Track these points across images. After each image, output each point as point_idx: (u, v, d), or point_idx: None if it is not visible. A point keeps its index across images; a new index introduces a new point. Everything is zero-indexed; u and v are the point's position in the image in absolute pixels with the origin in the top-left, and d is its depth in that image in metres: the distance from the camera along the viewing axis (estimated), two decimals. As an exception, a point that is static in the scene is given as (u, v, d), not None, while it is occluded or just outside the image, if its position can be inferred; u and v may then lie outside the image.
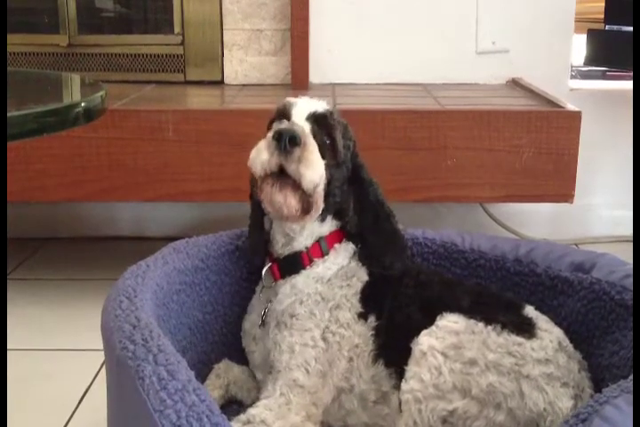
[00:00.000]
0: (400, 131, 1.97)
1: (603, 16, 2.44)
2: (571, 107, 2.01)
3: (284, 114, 1.28)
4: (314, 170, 1.21)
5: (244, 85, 2.48)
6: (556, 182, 2.00)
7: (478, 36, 2.49)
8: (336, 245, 1.35)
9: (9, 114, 1.01)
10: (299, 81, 2.40)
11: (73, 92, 1.53)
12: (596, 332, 1.29)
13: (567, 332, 1.29)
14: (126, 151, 1.97)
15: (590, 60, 2.51)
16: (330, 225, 1.35)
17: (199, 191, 2.00)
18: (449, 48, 2.50)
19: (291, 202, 1.23)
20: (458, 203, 2.52)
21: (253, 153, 1.24)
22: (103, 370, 1.62)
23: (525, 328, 1.21)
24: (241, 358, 1.44)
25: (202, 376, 1.36)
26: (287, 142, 1.18)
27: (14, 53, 2.46)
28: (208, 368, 1.42)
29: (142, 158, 1.97)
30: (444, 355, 1.17)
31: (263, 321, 1.35)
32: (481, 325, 1.20)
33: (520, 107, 2.09)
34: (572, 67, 2.59)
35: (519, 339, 1.18)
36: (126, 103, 2.08)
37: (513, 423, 1.13)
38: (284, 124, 1.23)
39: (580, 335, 1.31)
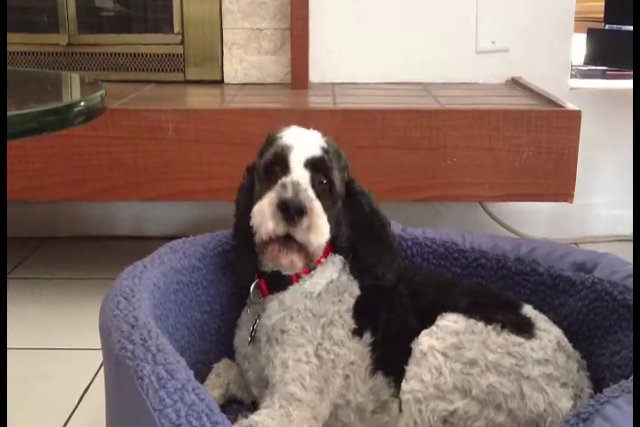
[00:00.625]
0: (400, 130, 1.97)
1: (603, 15, 2.44)
2: (570, 106, 2.01)
3: (281, 159, 1.25)
4: (322, 235, 1.20)
5: (243, 84, 2.48)
6: (556, 182, 2.00)
7: (478, 35, 2.49)
8: (322, 260, 1.33)
9: (9, 113, 1.01)
10: (298, 80, 2.41)
11: (73, 91, 1.53)
12: (597, 331, 1.29)
13: (568, 331, 1.29)
14: (126, 150, 1.97)
15: (590, 60, 2.51)
16: None
17: (199, 190, 2.00)
18: (449, 47, 2.50)
19: (296, 263, 1.23)
20: (457, 202, 2.52)
21: (257, 217, 1.21)
22: (103, 369, 1.62)
23: (525, 328, 1.21)
24: (240, 357, 1.44)
25: (201, 375, 1.36)
26: (295, 214, 1.17)
27: (14, 53, 2.46)
28: (207, 368, 1.42)
29: (142, 158, 1.97)
30: (445, 355, 1.17)
31: (253, 337, 1.34)
32: (481, 324, 1.20)
33: (520, 106, 2.09)
34: (571, 66, 2.59)
35: (519, 339, 1.18)
36: (126, 102, 2.08)
37: (513, 424, 1.13)
38: (289, 192, 1.19)
39: (582, 335, 1.31)
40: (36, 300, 2.16)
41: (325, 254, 1.33)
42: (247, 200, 1.31)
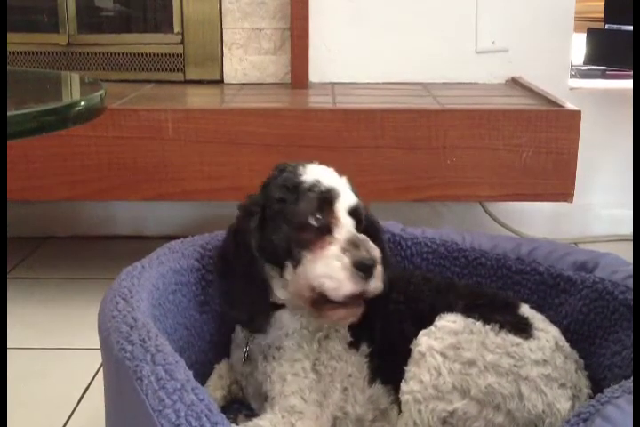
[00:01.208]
0: (400, 130, 1.97)
1: (602, 15, 2.44)
2: (570, 106, 2.01)
3: (325, 201, 1.20)
4: (382, 280, 1.19)
5: (243, 84, 2.48)
6: (556, 181, 2.00)
7: (478, 35, 2.49)
8: None
9: (9, 113, 1.01)
10: (298, 80, 2.41)
11: (72, 91, 1.53)
12: (598, 331, 1.29)
13: (568, 330, 1.29)
14: (126, 150, 1.97)
15: (590, 60, 2.51)
16: None
17: (198, 190, 2.00)
18: (449, 47, 2.50)
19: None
20: (457, 202, 2.52)
21: (328, 282, 1.15)
22: (102, 369, 1.62)
23: (522, 328, 1.21)
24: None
25: (200, 376, 1.35)
26: (372, 272, 1.15)
27: (14, 53, 2.46)
28: (206, 368, 1.41)
29: (142, 157, 1.97)
30: (444, 355, 1.17)
31: (247, 357, 1.32)
32: (479, 324, 1.20)
33: (520, 106, 2.09)
34: (571, 66, 2.59)
35: (517, 339, 1.18)
36: (126, 102, 2.08)
37: (512, 425, 1.13)
38: (362, 251, 1.15)
39: (582, 334, 1.30)
40: (35, 299, 2.16)
41: None
42: (261, 243, 1.23)
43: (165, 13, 2.46)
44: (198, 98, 2.38)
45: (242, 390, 1.41)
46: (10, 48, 2.41)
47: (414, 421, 1.16)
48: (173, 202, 2.50)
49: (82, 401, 1.64)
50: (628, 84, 2.62)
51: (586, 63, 2.57)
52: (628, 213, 2.39)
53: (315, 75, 2.47)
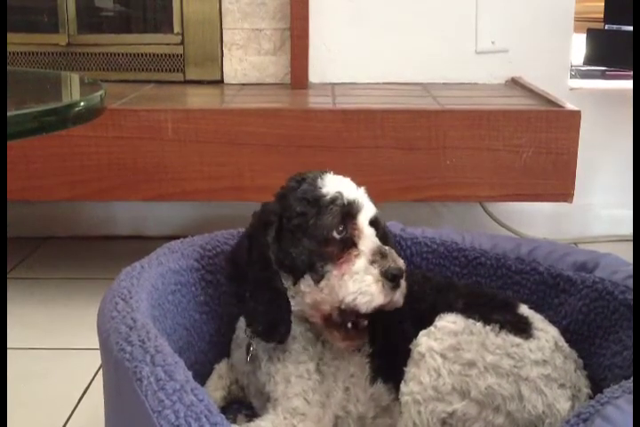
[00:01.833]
0: (399, 130, 1.97)
1: (602, 15, 2.44)
2: (570, 106, 2.01)
3: (348, 214, 1.19)
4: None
5: (243, 85, 2.48)
6: (556, 182, 2.00)
7: (478, 35, 2.49)
8: None
9: (9, 113, 1.01)
10: (298, 80, 2.41)
11: (72, 91, 1.53)
12: (598, 331, 1.28)
13: (567, 330, 1.29)
14: (126, 150, 1.97)
15: (590, 60, 2.51)
16: None
17: (198, 190, 2.00)
18: (448, 48, 2.50)
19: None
20: (457, 202, 2.52)
21: (361, 298, 1.16)
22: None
23: (522, 328, 1.21)
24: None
25: (200, 376, 1.35)
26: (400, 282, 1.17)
27: (14, 53, 2.46)
28: (206, 368, 1.41)
29: (142, 158, 1.97)
30: (443, 356, 1.16)
31: (251, 355, 1.31)
32: (479, 325, 1.20)
33: (520, 106, 2.09)
34: (571, 66, 2.59)
35: (517, 339, 1.18)
36: (126, 103, 2.08)
37: (512, 426, 1.12)
38: (390, 261, 1.16)
39: (582, 335, 1.30)
40: (35, 300, 2.16)
41: None
42: (278, 254, 1.22)
43: (165, 14, 2.46)
44: (198, 98, 2.38)
45: (242, 391, 1.41)
46: (10, 48, 2.41)
47: (414, 422, 1.15)
48: (173, 202, 2.50)
49: (82, 401, 1.64)
50: (627, 84, 2.62)
51: (586, 63, 2.57)
52: (628, 213, 2.39)
53: (314, 75, 2.47)
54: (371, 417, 1.28)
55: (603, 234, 2.67)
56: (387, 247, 1.20)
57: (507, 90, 2.43)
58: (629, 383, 1.01)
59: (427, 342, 1.19)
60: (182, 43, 2.44)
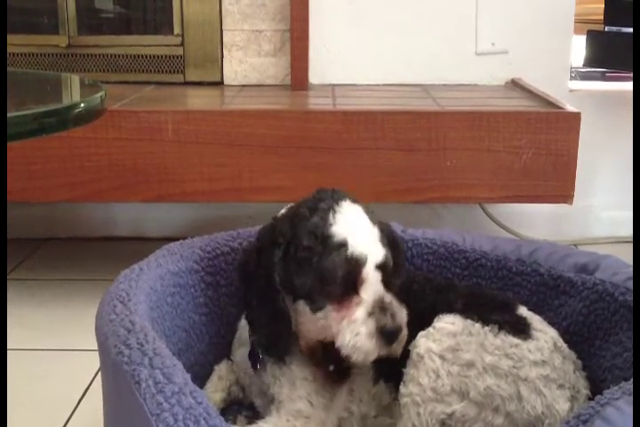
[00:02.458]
0: (400, 132, 1.97)
1: (602, 17, 2.44)
2: (570, 108, 2.01)
3: (354, 263, 1.15)
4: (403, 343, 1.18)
5: (243, 86, 2.48)
6: (556, 183, 2.00)
7: (478, 36, 2.50)
8: None
9: (9, 114, 1.01)
10: (298, 82, 2.41)
11: (72, 92, 1.53)
12: (598, 333, 1.29)
13: (567, 332, 1.29)
14: (126, 152, 1.97)
15: (590, 61, 2.51)
16: None
17: (199, 192, 2.00)
18: (448, 49, 2.50)
19: None
20: (457, 204, 2.52)
21: (355, 356, 1.14)
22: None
23: (521, 328, 1.21)
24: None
25: (200, 377, 1.35)
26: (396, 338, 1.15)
27: (14, 54, 2.46)
28: (206, 369, 1.41)
29: (142, 159, 1.97)
30: (442, 358, 1.17)
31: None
32: (478, 326, 1.20)
33: (519, 108, 2.09)
34: (571, 68, 2.59)
35: (516, 340, 1.18)
36: (126, 104, 2.08)
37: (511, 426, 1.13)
38: (388, 317, 1.14)
39: (582, 336, 1.30)
40: (35, 301, 2.15)
41: None
42: (282, 275, 1.19)
43: (165, 15, 2.46)
44: (198, 99, 2.38)
45: (242, 391, 1.41)
46: (10, 49, 2.42)
47: (413, 423, 1.16)
48: (173, 203, 2.50)
49: (81, 402, 1.64)
50: (627, 86, 2.62)
51: (586, 65, 2.57)
52: (628, 214, 2.38)
53: (315, 76, 2.47)
54: (372, 416, 1.28)
55: (603, 235, 2.67)
56: (389, 297, 1.16)
57: (507, 91, 2.43)
58: (629, 385, 1.01)
59: (425, 343, 1.19)
60: (182, 44, 2.44)
